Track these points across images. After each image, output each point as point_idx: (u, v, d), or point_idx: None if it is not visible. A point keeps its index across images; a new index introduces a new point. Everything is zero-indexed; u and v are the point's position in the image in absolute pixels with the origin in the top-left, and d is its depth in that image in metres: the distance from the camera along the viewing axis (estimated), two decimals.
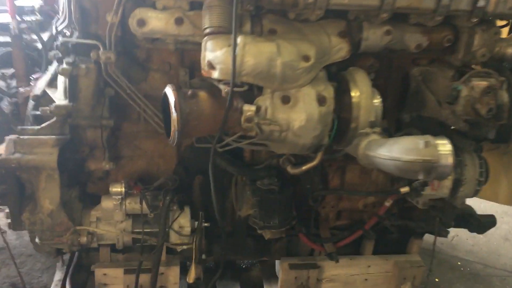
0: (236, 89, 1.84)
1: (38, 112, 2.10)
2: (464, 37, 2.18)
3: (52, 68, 2.19)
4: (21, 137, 1.96)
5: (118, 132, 2.23)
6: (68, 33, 2.12)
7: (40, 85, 2.20)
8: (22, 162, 1.94)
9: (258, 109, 1.91)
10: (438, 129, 2.21)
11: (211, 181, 2.00)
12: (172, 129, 1.84)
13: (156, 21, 1.96)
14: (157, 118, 2.17)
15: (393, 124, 2.44)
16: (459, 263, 3.93)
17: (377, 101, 2.05)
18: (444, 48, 2.22)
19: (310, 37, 1.99)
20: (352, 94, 1.98)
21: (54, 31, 2.32)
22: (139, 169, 2.32)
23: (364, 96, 1.98)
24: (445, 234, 2.62)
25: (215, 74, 1.84)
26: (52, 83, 2.14)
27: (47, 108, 2.00)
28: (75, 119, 1.98)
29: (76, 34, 2.07)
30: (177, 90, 1.85)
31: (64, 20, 2.11)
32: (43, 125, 2.00)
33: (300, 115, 1.92)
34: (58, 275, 2.67)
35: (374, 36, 2.08)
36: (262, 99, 1.94)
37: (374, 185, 2.54)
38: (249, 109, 1.90)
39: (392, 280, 2.73)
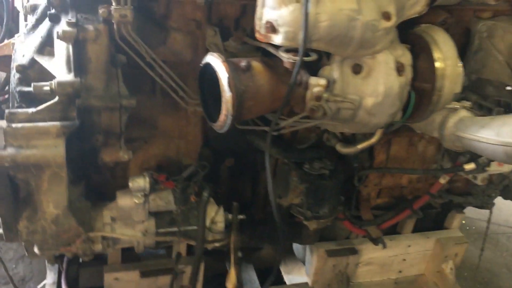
0: (302, 59, 1.42)
1: (26, 89, 1.60)
2: None
3: (42, 28, 1.65)
4: (13, 125, 1.46)
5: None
6: None
7: (23, 50, 1.68)
8: (19, 159, 1.46)
9: (329, 83, 1.50)
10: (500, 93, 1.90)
11: (268, 172, 1.59)
12: (224, 112, 1.41)
13: None
14: (180, 89, 1.72)
15: None
16: (463, 221, 3.77)
17: (461, 67, 1.68)
18: None
19: None
20: (435, 59, 1.60)
21: None
22: (155, 153, 1.87)
23: (450, 62, 1.61)
24: (491, 206, 2.37)
25: (277, 39, 1.40)
26: (43, 49, 1.62)
27: (45, 84, 1.51)
28: (85, 100, 1.49)
29: None
30: (228, 61, 1.40)
31: None
32: (40, 107, 1.51)
33: (376, 88, 1.53)
34: (51, 277, 2.23)
35: None
36: (329, 69, 1.54)
37: (421, 159, 2.22)
38: (317, 83, 1.49)
39: (432, 259, 2.48)
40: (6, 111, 1.51)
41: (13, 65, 1.64)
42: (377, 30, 1.45)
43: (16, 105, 1.61)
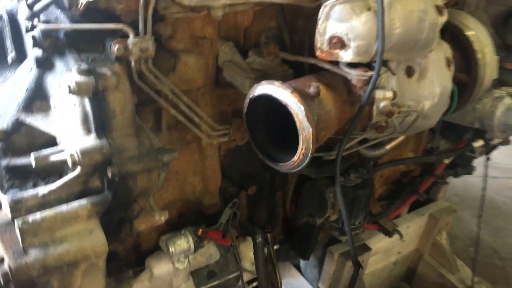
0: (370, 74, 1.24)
1: (16, 161, 1.20)
2: None
3: (23, 76, 1.23)
4: (30, 219, 1.08)
5: None
6: (56, 16, 1.19)
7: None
8: (50, 262, 1.09)
9: (395, 94, 1.33)
10: None
11: (340, 199, 1.39)
12: (302, 151, 1.17)
13: None
14: (202, 122, 1.43)
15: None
16: None
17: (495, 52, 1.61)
18: None
19: None
20: (476, 49, 1.51)
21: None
22: (171, 200, 1.57)
23: (488, 49, 1.53)
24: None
25: (347, 55, 1.19)
26: (31, 105, 1.22)
27: (52, 153, 1.13)
28: (121, 166, 1.14)
29: (68, 14, 1.17)
30: (297, 90, 1.16)
31: None
32: (55, 186, 1.14)
33: (433, 89, 1.40)
34: None
35: None
36: (386, 77, 1.36)
37: (418, 142, 2.17)
38: (384, 96, 1.31)
39: (425, 233, 2.50)
40: (6, 198, 1.12)
41: None
42: (437, 26, 1.30)
43: (5, 184, 1.20)
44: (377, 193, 2.21)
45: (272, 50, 1.41)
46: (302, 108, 1.13)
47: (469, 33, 1.52)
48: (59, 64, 1.18)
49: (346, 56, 1.19)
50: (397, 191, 2.26)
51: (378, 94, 1.31)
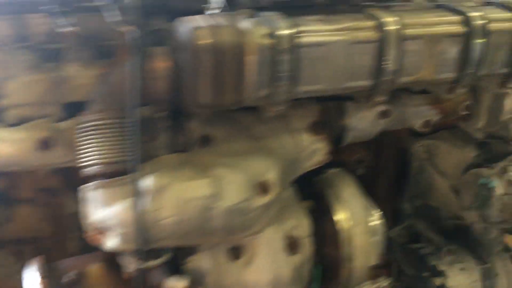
0: (150, 263, 1.09)
1: None
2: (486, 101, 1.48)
3: None
4: None
5: None
6: None
7: None
8: None
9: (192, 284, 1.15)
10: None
11: None
12: None
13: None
14: None
15: (389, 216, 1.75)
16: None
17: (376, 220, 1.33)
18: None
19: (267, 141, 1.24)
20: (337, 221, 1.26)
21: None
22: None
23: (359, 222, 1.27)
24: None
25: (111, 243, 1.07)
26: None
27: None
28: None
29: None
30: (47, 275, 1.07)
31: None
32: None
33: (261, 276, 1.19)
34: None
35: (364, 122, 1.35)
36: (198, 259, 1.19)
37: None
38: (174, 286, 1.14)
39: None
40: None
41: None
42: (250, 210, 1.11)
43: None
44: None
45: None
46: None
47: (336, 203, 1.28)
48: None
49: (111, 243, 1.07)
50: None
51: (169, 283, 1.14)
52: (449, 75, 1.21)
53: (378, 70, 1.11)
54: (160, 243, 1.08)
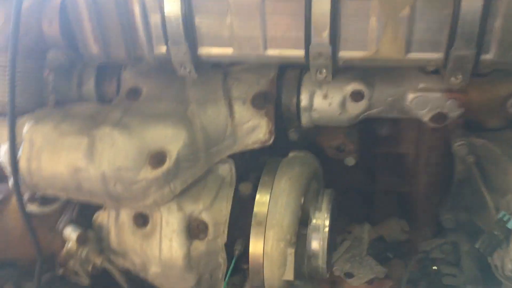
0: (42, 208, 1.09)
1: None
2: None
3: None
4: None
5: None
6: None
7: None
8: None
9: (83, 239, 1.11)
10: None
11: None
12: None
13: None
14: None
15: (429, 229, 1.39)
16: None
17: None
18: None
19: (194, 106, 1.08)
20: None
21: None
22: None
23: (275, 230, 1.03)
24: None
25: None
26: None
27: None
28: None
29: None
30: None
31: None
32: None
33: (156, 253, 1.08)
34: None
35: (327, 102, 1.05)
36: (103, 216, 1.14)
37: None
38: (69, 237, 1.12)
39: None
40: None
41: None
42: (134, 182, 1.00)
43: None
44: None
45: None
46: None
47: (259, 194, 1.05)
48: None
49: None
50: None
51: (66, 231, 1.12)
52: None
53: None
54: (47, 192, 1.06)
